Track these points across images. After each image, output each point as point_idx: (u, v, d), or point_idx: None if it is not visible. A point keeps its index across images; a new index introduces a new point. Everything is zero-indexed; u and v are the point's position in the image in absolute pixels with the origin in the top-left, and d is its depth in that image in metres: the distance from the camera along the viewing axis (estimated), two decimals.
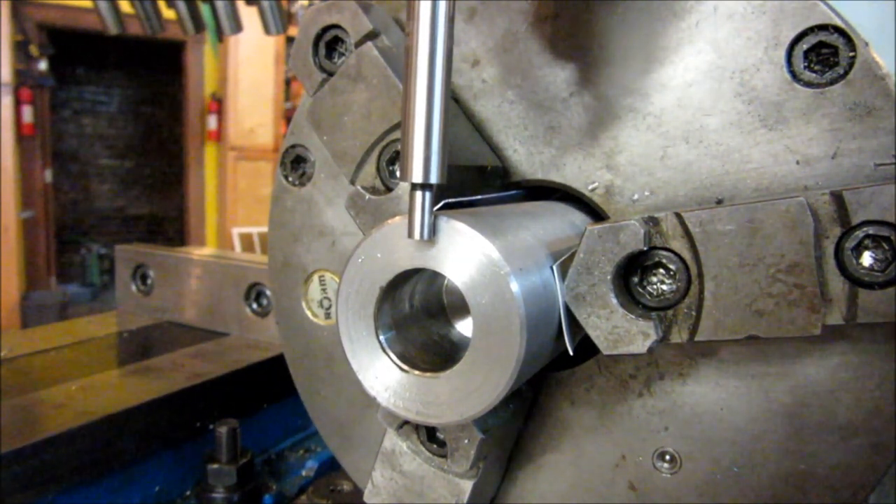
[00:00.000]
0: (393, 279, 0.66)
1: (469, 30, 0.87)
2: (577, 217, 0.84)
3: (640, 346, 0.66)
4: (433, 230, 0.62)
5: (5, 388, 1.34)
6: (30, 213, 8.52)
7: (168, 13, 2.35)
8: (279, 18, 2.33)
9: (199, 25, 2.33)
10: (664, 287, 0.67)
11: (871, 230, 0.60)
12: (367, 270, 0.67)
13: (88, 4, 2.38)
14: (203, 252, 2.00)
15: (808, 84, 0.70)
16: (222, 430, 1.21)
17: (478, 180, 0.83)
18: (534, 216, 0.77)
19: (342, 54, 0.81)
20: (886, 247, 0.60)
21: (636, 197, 0.80)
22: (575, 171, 0.83)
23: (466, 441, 0.75)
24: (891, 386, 0.69)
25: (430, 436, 0.80)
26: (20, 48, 8.06)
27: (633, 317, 0.66)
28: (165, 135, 11.43)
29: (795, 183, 0.71)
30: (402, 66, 0.67)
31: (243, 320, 1.75)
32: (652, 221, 0.66)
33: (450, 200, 0.69)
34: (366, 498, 0.84)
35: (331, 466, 1.42)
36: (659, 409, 0.80)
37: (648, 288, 0.68)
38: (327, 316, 1.02)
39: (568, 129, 0.83)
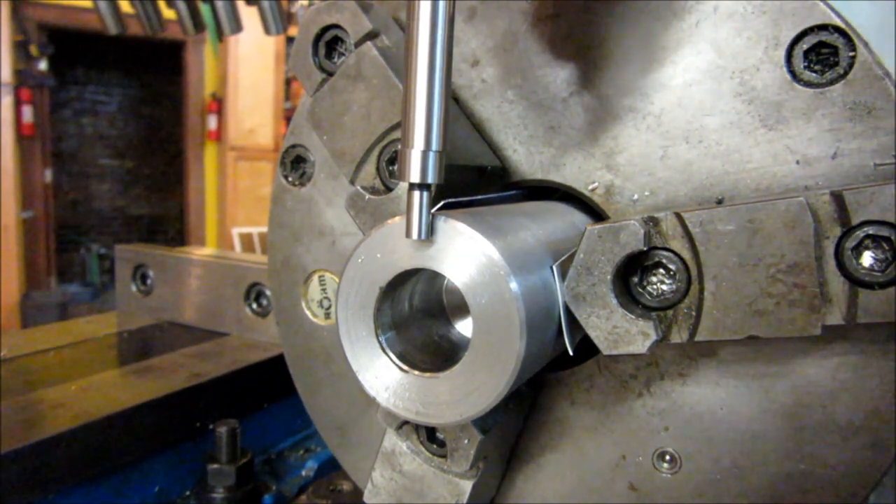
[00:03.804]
0: (393, 279, 0.66)
1: (469, 30, 0.87)
2: (577, 217, 0.84)
3: (640, 346, 0.66)
4: (433, 230, 0.62)
5: (5, 388, 1.34)
6: (30, 213, 8.52)
7: (168, 13, 2.35)
8: (279, 18, 2.33)
9: (199, 25, 2.33)
10: (664, 287, 0.67)
11: (871, 230, 0.60)
12: (366, 270, 0.67)
13: (88, 4, 2.38)
14: (203, 252, 2.00)
15: (808, 84, 0.70)
16: (222, 430, 1.21)
17: (478, 180, 0.83)
18: (534, 216, 0.77)
19: (342, 54, 0.81)
20: (886, 247, 0.60)
21: (636, 197, 0.80)
22: (575, 171, 0.83)
23: (466, 441, 0.75)
24: (891, 386, 0.69)
25: (429, 436, 0.80)
26: (20, 48, 8.06)
27: (632, 317, 0.66)
28: (165, 135, 11.42)
29: (795, 183, 0.71)
30: (402, 65, 0.67)
31: (243, 320, 1.75)
32: (652, 221, 0.66)
33: (450, 200, 0.69)
34: (366, 498, 0.84)
35: (331, 466, 1.42)
36: (659, 409, 0.80)
37: (648, 288, 0.68)
38: (327, 316, 1.02)
39: (568, 129, 0.83)
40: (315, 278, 1.02)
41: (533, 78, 0.84)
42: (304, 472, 1.43)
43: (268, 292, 1.71)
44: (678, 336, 0.67)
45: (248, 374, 1.50)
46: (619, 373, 0.82)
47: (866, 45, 0.68)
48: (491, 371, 0.62)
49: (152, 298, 1.95)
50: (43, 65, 8.36)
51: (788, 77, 0.71)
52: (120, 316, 1.98)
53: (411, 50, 0.60)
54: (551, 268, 0.68)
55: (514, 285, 0.60)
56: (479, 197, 0.78)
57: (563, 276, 0.68)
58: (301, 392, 1.07)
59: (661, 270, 0.67)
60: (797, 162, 0.71)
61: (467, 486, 0.78)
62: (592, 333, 0.68)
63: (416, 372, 0.66)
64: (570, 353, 0.70)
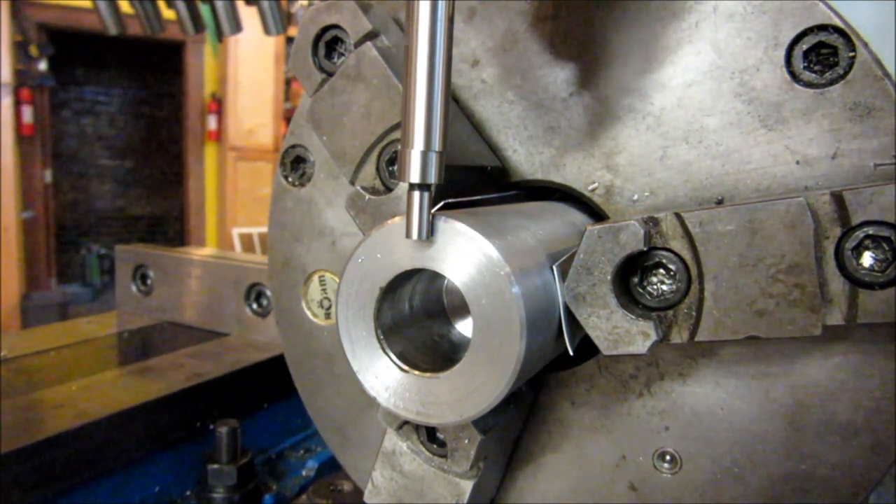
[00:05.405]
0: (393, 279, 0.66)
1: (469, 30, 0.87)
2: (577, 217, 0.84)
3: (641, 346, 0.66)
4: (433, 230, 0.62)
5: (5, 388, 1.35)
6: (30, 213, 8.52)
7: (168, 13, 2.35)
8: (279, 18, 2.33)
9: (199, 25, 2.33)
10: (664, 287, 0.67)
11: (871, 230, 0.60)
12: (367, 271, 0.67)
13: (88, 4, 2.38)
14: (203, 252, 2.01)
15: (808, 84, 0.70)
16: (222, 430, 1.21)
17: (478, 180, 0.83)
18: (534, 216, 0.77)
19: (342, 54, 0.81)
20: (886, 247, 0.60)
21: (636, 197, 0.80)
22: (575, 172, 0.83)
23: (466, 441, 0.75)
24: (891, 386, 0.69)
25: (430, 436, 0.80)
26: (20, 48, 8.06)
27: (633, 317, 0.66)
28: (165, 135, 11.43)
29: (795, 183, 0.71)
30: (401, 66, 0.67)
31: (243, 320, 1.75)
32: (652, 222, 0.66)
33: (450, 200, 0.69)
34: (366, 498, 0.84)
35: (331, 466, 1.42)
36: (659, 410, 0.80)
37: (648, 288, 0.68)
38: (327, 316, 1.02)
39: (567, 129, 0.83)
40: (315, 278, 1.02)
41: (533, 78, 0.84)
42: (304, 472, 1.43)
43: (268, 292, 1.71)
44: (678, 336, 0.67)
45: (248, 374, 1.50)
46: (619, 373, 0.82)
47: (866, 45, 0.68)
48: (491, 371, 0.62)
49: (152, 298, 1.95)
50: (43, 65, 8.35)
51: (788, 77, 0.71)
52: (120, 316, 1.98)
53: (411, 50, 0.60)
54: (551, 268, 0.68)
55: (514, 285, 0.60)
56: (479, 197, 0.78)
57: (563, 276, 0.68)
58: (301, 392, 1.07)
59: (662, 271, 0.67)
60: (797, 162, 0.71)
61: (467, 486, 0.78)
62: (592, 333, 0.68)
63: (417, 372, 0.67)
64: (571, 353, 0.70)
